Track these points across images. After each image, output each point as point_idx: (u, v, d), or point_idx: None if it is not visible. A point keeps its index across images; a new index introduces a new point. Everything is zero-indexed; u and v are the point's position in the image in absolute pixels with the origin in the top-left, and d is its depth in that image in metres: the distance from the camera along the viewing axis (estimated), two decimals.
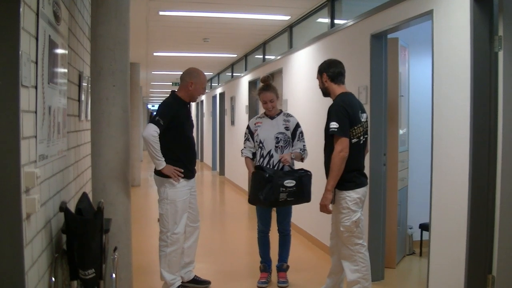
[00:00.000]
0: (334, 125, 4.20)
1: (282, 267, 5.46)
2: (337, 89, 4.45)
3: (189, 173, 4.97)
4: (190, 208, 5.07)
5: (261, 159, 5.25)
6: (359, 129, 4.33)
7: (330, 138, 4.32)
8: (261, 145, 5.27)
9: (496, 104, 3.80)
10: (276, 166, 5.19)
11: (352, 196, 4.28)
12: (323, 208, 4.33)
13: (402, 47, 5.92)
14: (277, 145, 5.23)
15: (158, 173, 4.86)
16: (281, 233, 5.45)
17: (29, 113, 2.67)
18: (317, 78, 4.59)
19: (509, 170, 3.76)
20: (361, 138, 4.37)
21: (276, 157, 5.21)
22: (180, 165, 4.87)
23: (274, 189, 4.90)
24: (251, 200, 5.15)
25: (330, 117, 4.28)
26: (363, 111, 4.46)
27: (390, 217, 5.76)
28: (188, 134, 5.03)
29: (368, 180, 5.27)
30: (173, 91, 5.07)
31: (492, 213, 3.84)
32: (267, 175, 4.94)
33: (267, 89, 5.34)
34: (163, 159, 4.78)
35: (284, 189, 4.92)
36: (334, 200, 4.34)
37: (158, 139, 4.72)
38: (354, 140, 4.29)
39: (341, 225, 4.30)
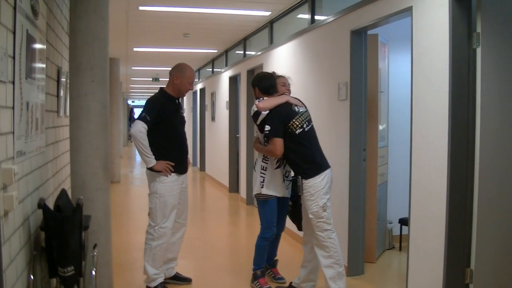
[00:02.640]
0: (267, 128, 4.66)
1: (275, 263, 5.45)
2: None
3: (180, 168, 4.97)
4: (179, 204, 5.05)
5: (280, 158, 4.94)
6: (298, 120, 4.65)
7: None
8: None
9: (474, 100, 3.84)
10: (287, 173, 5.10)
11: (317, 183, 4.51)
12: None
13: (381, 43, 5.95)
14: None
15: (149, 167, 4.86)
16: (280, 231, 5.29)
17: (6, 109, 2.63)
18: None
19: (487, 165, 3.81)
20: (305, 126, 4.68)
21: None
22: (171, 160, 4.87)
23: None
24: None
25: (266, 121, 4.71)
26: (300, 106, 4.80)
27: (370, 212, 5.79)
28: (177, 128, 5.04)
29: (348, 175, 5.35)
30: (161, 87, 5.10)
31: (470, 208, 3.88)
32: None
33: (281, 75, 5.33)
34: (153, 156, 4.78)
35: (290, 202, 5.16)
36: (302, 190, 4.55)
37: (146, 136, 4.72)
38: (298, 131, 4.63)
39: (309, 213, 4.52)
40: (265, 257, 5.19)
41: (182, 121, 5.18)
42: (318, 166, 4.59)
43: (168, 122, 4.91)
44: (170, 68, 5.09)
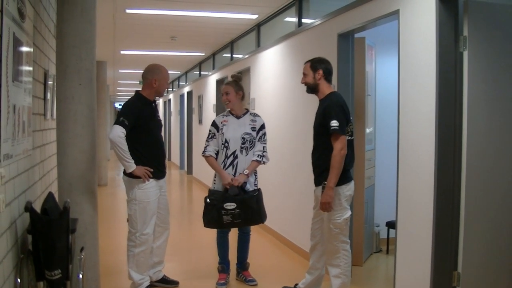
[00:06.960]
0: (335, 123, 4.25)
1: (245, 266, 5.49)
2: (327, 88, 4.54)
3: (158, 173, 4.91)
4: (160, 209, 5.02)
5: (225, 159, 5.22)
6: (350, 128, 4.44)
7: (324, 136, 4.36)
8: (226, 144, 5.22)
9: (461, 103, 3.87)
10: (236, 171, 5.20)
11: (345, 192, 4.36)
12: (326, 206, 4.30)
13: (369, 46, 5.98)
14: (242, 145, 5.19)
15: (127, 173, 4.80)
16: (241, 232, 5.47)
17: None
18: (306, 72, 4.59)
19: (474, 168, 3.84)
20: (351, 136, 4.46)
21: (241, 159, 5.18)
22: (149, 165, 4.80)
23: (217, 213, 5.02)
24: (204, 224, 5.21)
25: (330, 115, 4.29)
26: None
27: (357, 215, 5.80)
28: (155, 133, 4.97)
29: None
30: (137, 91, 5.01)
31: (457, 211, 3.91)
32: (208, 201, 5.09)
33: (226, 83, 5.41)
34: (133, 161, 4.70)
35: (225, 211, 5.00)
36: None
37: (125, 140, 4.65)
38: (348, 138, 4.37)
39: (332, 223, 4.37)
40: (224, 252, 5.45)
41: (159, 125, 5.13)
42: (348, 175, 4.44)
43: (146, 126, 4.84)
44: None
